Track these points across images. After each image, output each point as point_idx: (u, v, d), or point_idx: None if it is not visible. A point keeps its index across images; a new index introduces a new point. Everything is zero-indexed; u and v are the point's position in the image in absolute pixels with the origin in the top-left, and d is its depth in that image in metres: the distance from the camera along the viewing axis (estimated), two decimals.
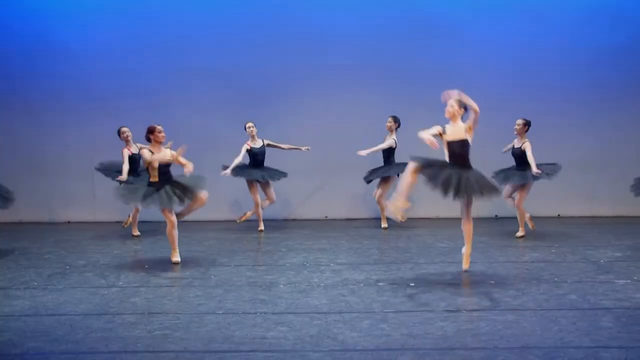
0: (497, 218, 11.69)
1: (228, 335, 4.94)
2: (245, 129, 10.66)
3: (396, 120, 10.47)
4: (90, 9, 12.10)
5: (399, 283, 6.55)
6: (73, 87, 12.08)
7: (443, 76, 11.90)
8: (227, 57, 12.11)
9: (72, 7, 12.14)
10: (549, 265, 7.40)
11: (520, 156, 9.26)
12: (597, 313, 5.38)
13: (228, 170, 10.49)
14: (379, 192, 10.65)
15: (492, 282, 6.56)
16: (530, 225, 9.73)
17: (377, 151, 10.46)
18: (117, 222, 10.93)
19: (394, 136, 10.46)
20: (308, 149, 10.74)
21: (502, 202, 9.75)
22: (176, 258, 7.74)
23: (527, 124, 9.35)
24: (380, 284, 6.55)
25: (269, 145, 10.72)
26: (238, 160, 10.55)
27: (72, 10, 12.12)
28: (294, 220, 12.29)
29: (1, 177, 9.14)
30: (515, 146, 9.35)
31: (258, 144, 10.71)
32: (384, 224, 10.68)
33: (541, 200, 11.24)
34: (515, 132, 9.33)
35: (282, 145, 10.79)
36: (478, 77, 11.87)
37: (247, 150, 10.63)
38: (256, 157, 10.66)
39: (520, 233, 9.48)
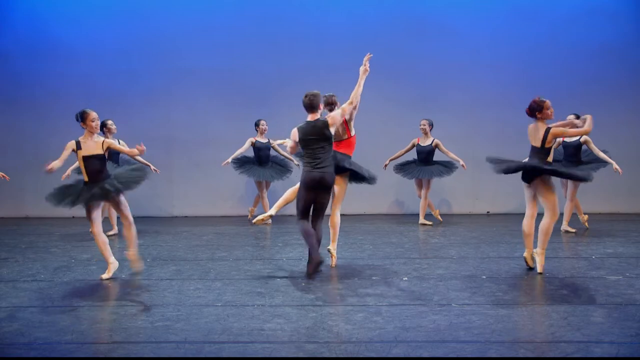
0: (488, 214, 11.68)
1: (227, 327, 4.94)
2: (258, 125, 10.75)
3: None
4: (92, 10, 12.19)
5: (391, 277, 6.55)
6: (75, 86, 12.09)
7: (439, 75, 12.05)
8: (226, 56, 12.18)
9: (74, 8, 12.21)
10: None
11: (575, 150, 9.31)
12: (588, 308, 5.37)
13: (229, 159, 10.61)
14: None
15: (484, 276, 6.56)
16: (583, 221, 9.91)
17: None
18: (119, 217, 10.88)
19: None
20: (298, 165, 10.69)
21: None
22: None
23: (578, 118, 9.36)
24: (374, 278, 6.55)
25: (272, 146, 10.81)
26: (240, 151, 10.69)
27: (74, 11, 12.21)
28: (291, 215, 12.30)
29: (8, 173, 9.12)
30: (568, 140, 9.36)
31: (264, 140, 10.79)
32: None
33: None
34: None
35: (281, 151, 10.86)
36: (472, 75, 12.00)
37: (252, 144, 10.72)
38: (261, 152, 10.75)
39: (571, 229, 9.58)
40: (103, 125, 9.42)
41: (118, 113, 11.14)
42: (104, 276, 6.62)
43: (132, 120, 11.80)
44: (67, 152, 6.47)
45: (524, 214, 6.85)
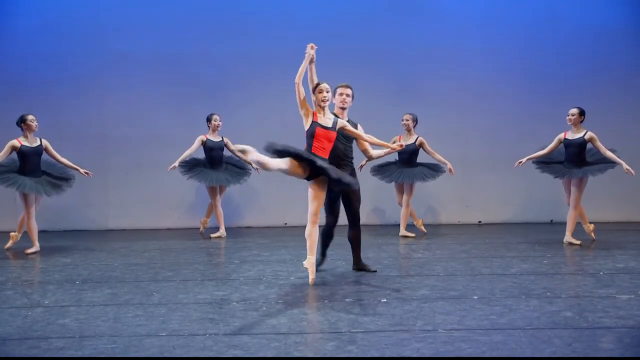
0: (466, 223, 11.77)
1: None
2: (210, 120, 10.70)
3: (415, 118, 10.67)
4: None
5: (368, 299, 6.56)
6: None
7: (422, 62, 12.13)
8: (171, 37, 12.07)
9: None
10: (541, 278, 7.47)
11: (578, 148, 9.41)
12: (596, 333, 5.42)
13: (176, 163, 10.53)
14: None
15: (475, 297, 6.60)
16: (589, 231, 10.01)
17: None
18: (42, 231, 10.75)
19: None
20: (258, 170, 10.71)
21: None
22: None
23: (582, 113, 9.48)
24: (348, 299, 6.55)
25: (226, 145, 10.78)
26: (189, 152, 10.63)
27: None
28: (249, 227, 12.26)
29: None
30: (570, 138, 9.48)
31: (216, 138, 10.75)
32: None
33: (532, 205, 11.40)
34: (570, 123, 9.48)
35: (238, 153, 10.82)
36: (460, 61, 12.10)
37: (202, 143, 10.68)
38: (213, 152, 10.71)
39: (575, 240, 9.65)
40: (22, 122, 9.35)
41: (40, 106, 11.00)
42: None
43: (57, 114, 11.66)
44: None
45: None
